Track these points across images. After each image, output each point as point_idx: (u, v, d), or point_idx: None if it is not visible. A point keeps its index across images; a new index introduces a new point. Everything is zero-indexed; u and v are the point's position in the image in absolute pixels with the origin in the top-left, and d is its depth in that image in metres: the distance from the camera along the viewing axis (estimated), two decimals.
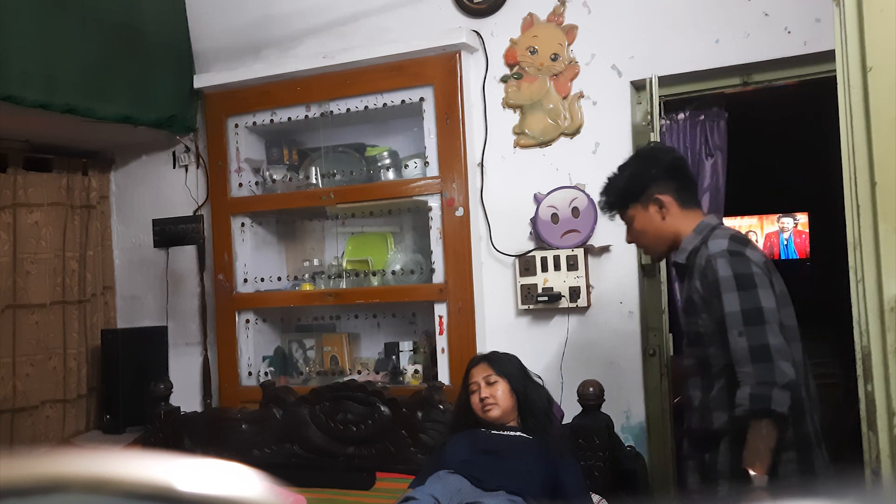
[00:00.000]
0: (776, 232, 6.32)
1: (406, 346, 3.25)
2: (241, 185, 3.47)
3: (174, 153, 3.71)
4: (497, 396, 2.39)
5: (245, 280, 3.45)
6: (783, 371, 1.77)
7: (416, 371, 3.13)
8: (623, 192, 2.04)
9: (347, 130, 3.38)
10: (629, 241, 2.14)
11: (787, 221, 6.27)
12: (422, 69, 3.07)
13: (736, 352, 1.82)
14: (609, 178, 2.10)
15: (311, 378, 3.37)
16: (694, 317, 1.96)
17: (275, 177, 3.41)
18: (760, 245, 6.29)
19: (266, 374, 3.39)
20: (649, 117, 2.77)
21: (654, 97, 2.76)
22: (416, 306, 3.24)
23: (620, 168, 2.09)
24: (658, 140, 2.76)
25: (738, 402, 1.80)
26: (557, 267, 2.91)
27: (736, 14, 2.75)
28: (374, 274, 3.24)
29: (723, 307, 1.84)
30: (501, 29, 3.08)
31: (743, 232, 3.02)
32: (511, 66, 3.07)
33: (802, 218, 6.25)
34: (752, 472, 1.77)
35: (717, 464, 1.90)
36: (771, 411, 1.76)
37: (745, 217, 6.31)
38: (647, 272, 2.93)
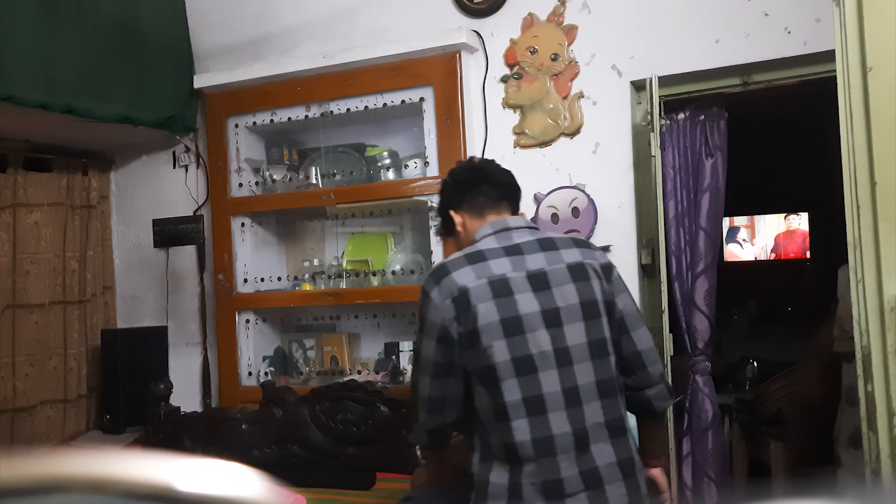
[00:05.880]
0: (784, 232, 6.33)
1: (406, 346, 3.25)
2: (241, 185, 3.47)
3: (174, 153, 3.71)
4: None
5: (245, 280, 3.46)
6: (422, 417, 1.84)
7: None
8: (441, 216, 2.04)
9: (347, 130, 3.38)
10: None
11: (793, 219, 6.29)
12: (422, 69, 3.07)
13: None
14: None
15: (311, 378, 3.37)
16: None
17: (275, 177, 3.41)
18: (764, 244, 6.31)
19: (266, 374, 3.39)
20: (649, 117, 2.77)
21: (654, 97, 2.76)
22: (417, 306, 3.23)
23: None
24: (658, 140, 2.76)
25: None
26: None
27: (736, 14, 2.75)
28: (374, 274, 3.24)
29: None
30: (501, 29, 3.08)
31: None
32: (511, 66, 3.07)
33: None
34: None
35: None
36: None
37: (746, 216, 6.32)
38: (647, 272, 2.93)
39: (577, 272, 1.78)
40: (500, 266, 1.77)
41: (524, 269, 1.76)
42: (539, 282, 1.75)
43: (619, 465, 1.71)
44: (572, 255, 1.80)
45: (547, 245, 1.81)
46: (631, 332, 1.82)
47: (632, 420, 1.91)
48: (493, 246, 1.81)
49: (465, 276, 1.76)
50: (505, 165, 3.20)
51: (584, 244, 1.88)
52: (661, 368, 1.86)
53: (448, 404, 1.80)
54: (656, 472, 1.94)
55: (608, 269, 1.84)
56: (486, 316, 1.72)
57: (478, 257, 1.79)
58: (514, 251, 1.80)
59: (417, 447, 2.04)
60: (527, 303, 1.73)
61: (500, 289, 1.74)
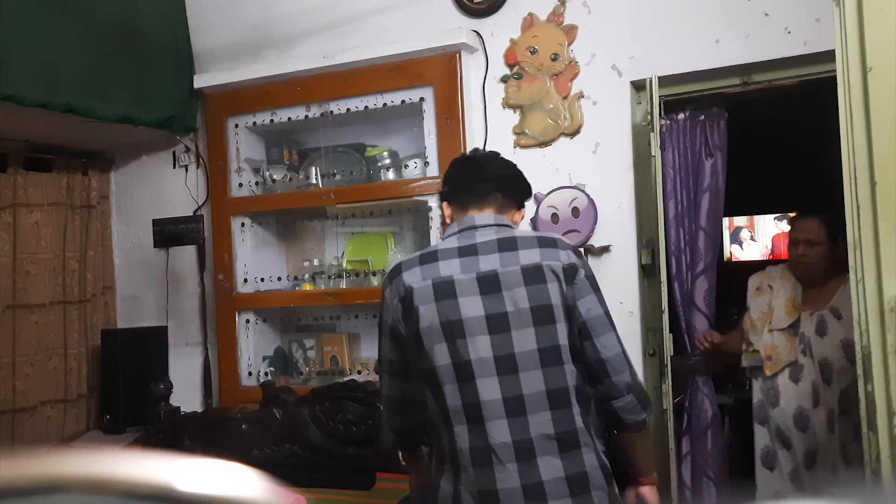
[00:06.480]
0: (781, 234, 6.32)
1: None
2: (241, 185, 3.47)
3: (174, 153, 3.72)
4: None
5: (245, 280, 3.46)
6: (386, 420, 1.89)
7: None
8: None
9: (347, 130, 3.38)
10: None
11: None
12: (422, 69, 3.07)
13: None
14: None
15: (311, 378, 3.37)
16: None
17: (275, 177, 3.41)
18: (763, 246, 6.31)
19: (266, 374, 3.39)
20: (649, 117, 2.77)
21: (654, 97, 2.76)
22: None
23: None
24: (658, 140, 2.76)
25: None
26: None
27: (736, 14, 2.75)
28: (374, 274, 3.24)
29: None
30: (501, 29, 3.08)
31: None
32: (511, 66, 3.07)
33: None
34: None
35: None
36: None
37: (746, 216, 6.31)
38: (647, 272, 2.93)
39: (532, 275, 1.67)
40: (449, 267, 1.70)
41: (475, 270, 1.68)
42: (489, 284, 1.67)
43: (568, 481, 1.62)
44: (530, 257, 1.69)
45: (506, 245, 1.71)
46: (595, 338, 1.69)
47: None
48: (450, 246, 1.75)
49: (412, 277, 1.72)
50: None
51: (549, 243, 1.74)
52: (630, 378, 1.71)
53: (409, 405, 1.78)
54: (645, 490, 1.84)
55: (572, 271, 1.70)
56: (426, 318, 1.68)
57: (430, 257, 1.74)
58: (468, 252, 1.72)
59: (399, 452, 2.01)
60: (471, 306, 1.66)
61: (444, 291, 1.68)
